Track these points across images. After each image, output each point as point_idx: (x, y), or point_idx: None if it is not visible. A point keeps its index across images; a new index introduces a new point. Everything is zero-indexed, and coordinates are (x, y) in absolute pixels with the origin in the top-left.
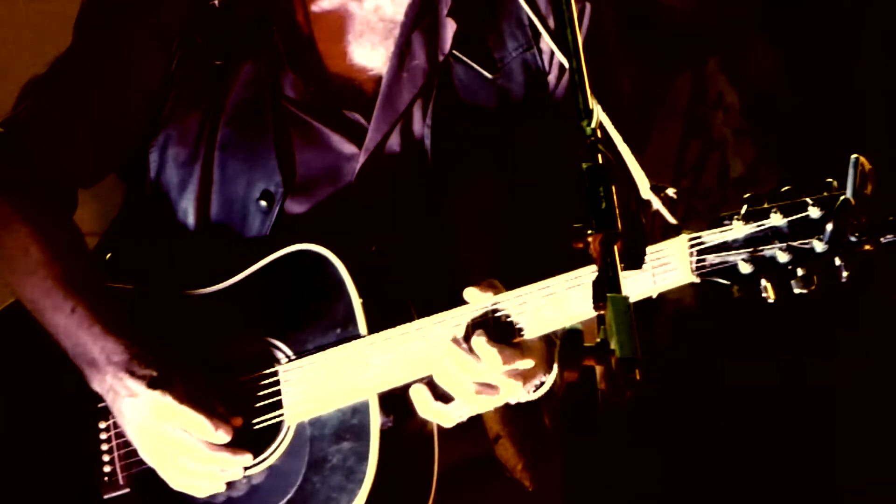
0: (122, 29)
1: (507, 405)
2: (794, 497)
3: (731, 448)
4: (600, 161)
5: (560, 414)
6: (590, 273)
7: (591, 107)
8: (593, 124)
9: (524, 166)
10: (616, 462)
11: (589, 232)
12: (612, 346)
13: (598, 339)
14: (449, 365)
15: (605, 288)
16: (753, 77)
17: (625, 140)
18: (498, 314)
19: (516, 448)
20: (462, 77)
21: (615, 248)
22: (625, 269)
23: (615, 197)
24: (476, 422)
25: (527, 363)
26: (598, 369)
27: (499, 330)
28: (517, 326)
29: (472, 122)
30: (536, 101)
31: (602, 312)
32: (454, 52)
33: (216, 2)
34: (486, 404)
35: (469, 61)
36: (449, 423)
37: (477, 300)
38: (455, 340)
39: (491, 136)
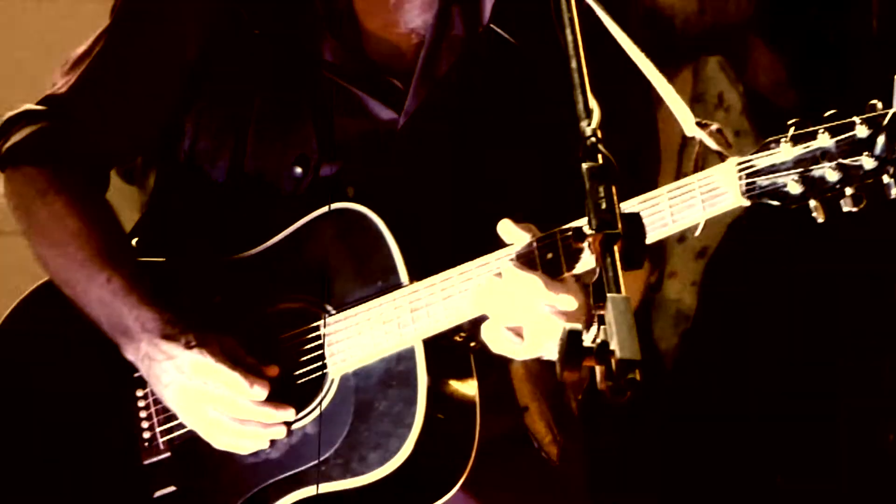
0: (164, 2)
1: (536, 381)
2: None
3: (733, 448)
4: (600, 161)
5: (585, 407)
6: (633, 205)
7: (590, 107)
8: (593, 124)
9: (555, 132)
10: (635, 456)
11: (589, 232)
12: (613, 346)
13: (599, 340)
14: (491, 298)
15: (606, 288)
16: (754, 77)
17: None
18: (541, 252)
19: (545, 422)
20: (498, 49)
21: (615, 248)
22: (625, 269)
23: (615, 197)
24: (508, 394)
25: (569, 300)
26: (599, 369)
27: (543, 266)
28: (572, 261)
29: (506, 93)
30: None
31: (602, 312)
32: (491, 25)
33: None
34: (536, 341)
35: (506, 35)
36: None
37: (514, 236)
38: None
39: (524, 105)
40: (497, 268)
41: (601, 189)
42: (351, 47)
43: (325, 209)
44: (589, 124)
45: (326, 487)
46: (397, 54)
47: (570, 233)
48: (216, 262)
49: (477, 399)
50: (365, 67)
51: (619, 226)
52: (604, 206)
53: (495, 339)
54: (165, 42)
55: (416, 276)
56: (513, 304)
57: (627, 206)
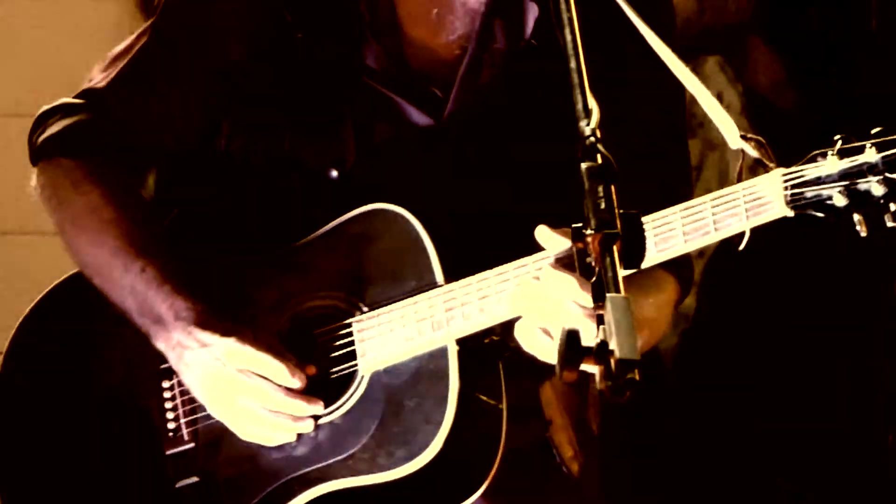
0: (210, 2)
1: (562, 396)
2: (793, 495)
3: (732, 448)
4: (600, 161)
5: (606, 422)
6: (675, 212)
7: (590, 107)
8: (593, 124)
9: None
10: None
11: (588, 232)
12: (612, 346)
13: (598, 340)
14: (528, 299)
15: (605, 288)
16: (753, 77)
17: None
18: (583, 254)
19: (567, 437)
20: (539, 63)
21: (615, 248)
22: (624, 269)
23: (614, 197)
24: (534, 408)
25: None
26: (598, 369)
27: (584, 271)
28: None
29: (545, 105)
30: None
31: (601, 313)
32: (532, 40)
33: None
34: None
35: (546, 48)
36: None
37: (550, 241)
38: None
39: (563, 118)
40: (535, 269)
41: (600, 189)
42: (392, 54)
43: (361, 209)
44: (588, 124)
45: (351, 482)
46: (438, 63)
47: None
48: (250, 258)
49: (504, 404)
50: (405, 74)
51: (618, 225)
52: (603, 205)
53: (528, 338)
54: (209, 42)
55: (451, 277)
56: (547, 304)
57: (669, 213)
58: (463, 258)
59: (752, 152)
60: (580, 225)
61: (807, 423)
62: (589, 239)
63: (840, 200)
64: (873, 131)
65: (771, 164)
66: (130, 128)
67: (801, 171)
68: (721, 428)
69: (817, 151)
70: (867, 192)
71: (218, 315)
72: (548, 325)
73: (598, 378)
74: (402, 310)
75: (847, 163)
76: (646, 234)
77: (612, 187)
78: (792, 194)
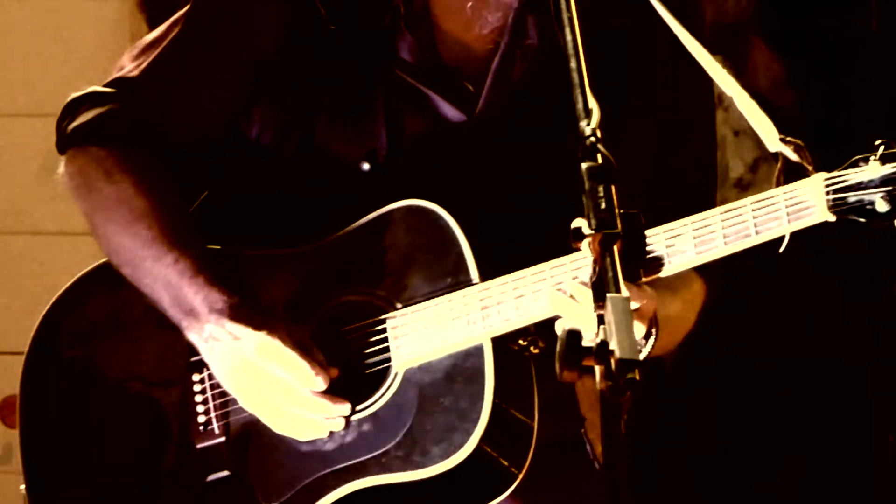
0: None
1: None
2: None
3: (732, 448)
4: (600, 161)
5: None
6: (715, 215)
7: (590, 107)
8: (593, 124)
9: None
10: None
11: (588, 232)
12: (612, 346)
13: (598, 340)
14: (572, 304)
15: (605, 288)
16: (753, 77)
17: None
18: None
19: (598, 433)
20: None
21: (615, 248)
22: (625, 270)
23: (614, 196)
24: (569, 402)
25: (643, 307)
26: (598, 369)
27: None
28: (656, 266)
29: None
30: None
31: (601, 312)
32: None
33: None
34: None
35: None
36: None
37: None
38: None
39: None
40: (571, 269)
41: (600, 189)
42: (426, 47)
43: (395, 205)
44: (588, 124)
45: (384, 479)
46: (471, 57)
47: (649, 241)
48: (282, 253)
49: (536, 402)
50: (437, 68)
51: (619, 225)
52: (603, 205)
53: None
54: (243, 34)
55: (485, 275)
56: (588, 310)
57: (709, 215)
58: (497, 256)
59: (792, 155)
60: (580, 225)
61: (807, 422)
62: (589, 239)
63: (882, 206)
64: None
65: (810, 168)
66: (163, 118)
67: (844, 175)
68: (721, 428)
69: (859, 156)
70: None
71: (251, 308)
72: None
73: (598, 378)
74: (436, 307)
75: (889, 168)
76: (685, 235)
77: (613, 187)
78: (834, 199)
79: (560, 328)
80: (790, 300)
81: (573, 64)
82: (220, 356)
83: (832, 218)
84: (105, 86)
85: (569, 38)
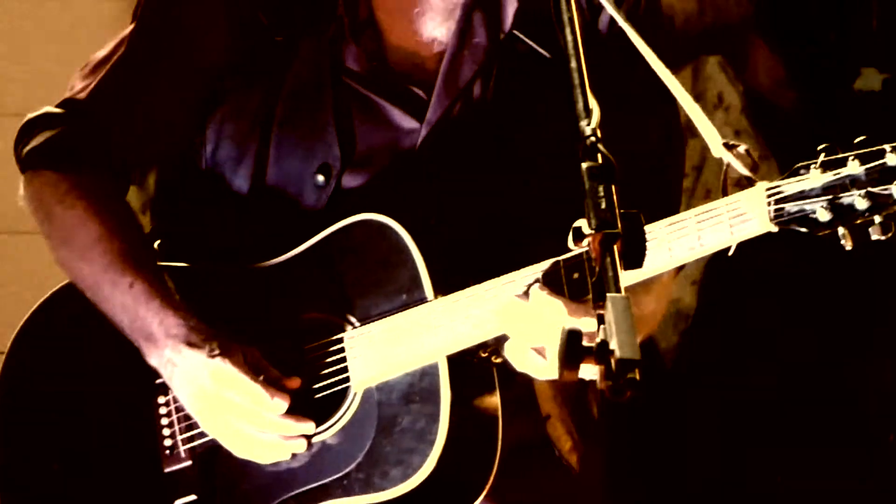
0: (184, 9)
1: (558, 387)
2: (793, 495)
3: (732, 447)
4: (600, 160)
5: (607, 405)
6: (660, 227)
7: (590, 106)
8: (593, 124)
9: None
10: (654, 458)
11: (588, 232)
12: (612, 345)
13: (598, 339)
14: (515, 319)
15: (605, 288)
16: (753, 76)
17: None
18: (567, 272)
19: (565, 429)
20: (521, 55)
21: (615, 247)
22: (625, 269)
23: (615, 196)
24: (531, 401)
25: (590, 321)
26: (599, 369)
27: (570, 287)
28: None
29: (531, 99)
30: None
31: (602, 312)
32: (514, 31)
33: None
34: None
35: (528, 41)
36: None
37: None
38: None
39: (549, 113)
40: (523, 286)
41: (601, 188)
42: (373, 56)
43: (350, 220)
44: (588, 124)
45: (348, 502)
46: (420, 63)
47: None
48: (239, 269)
49: (500, 413)
50: (387, 76)
51: (619, 225)
52: (603, 205)
53: (518, 358)
54: (187, 49)
55: (440, 290)
56: (536, 325)
57: (655, 227)
58: (453, 270)
59: (734, 162)
60: (580, 224)
61: (806, 422)
62: (589, 239)
63: (824, 215)
64: (856, 141)
65: (753, 177)
66: (112, 139)
67: (785, 185)
68: (720, 427)
69: (800, 164)
70: (851, 206)
71: (208, 331)
72: (538, 345)
73: (598, 378)
74: (392, 324)
75: (830, 176)
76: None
77: (613, 187)
78: (776, 210)
79: (510, 350)
80: (790, 300)
81: (573, 64)
82: (179, 381)
83: (774, 229)
84: (57, 106)
85: (569, 38)
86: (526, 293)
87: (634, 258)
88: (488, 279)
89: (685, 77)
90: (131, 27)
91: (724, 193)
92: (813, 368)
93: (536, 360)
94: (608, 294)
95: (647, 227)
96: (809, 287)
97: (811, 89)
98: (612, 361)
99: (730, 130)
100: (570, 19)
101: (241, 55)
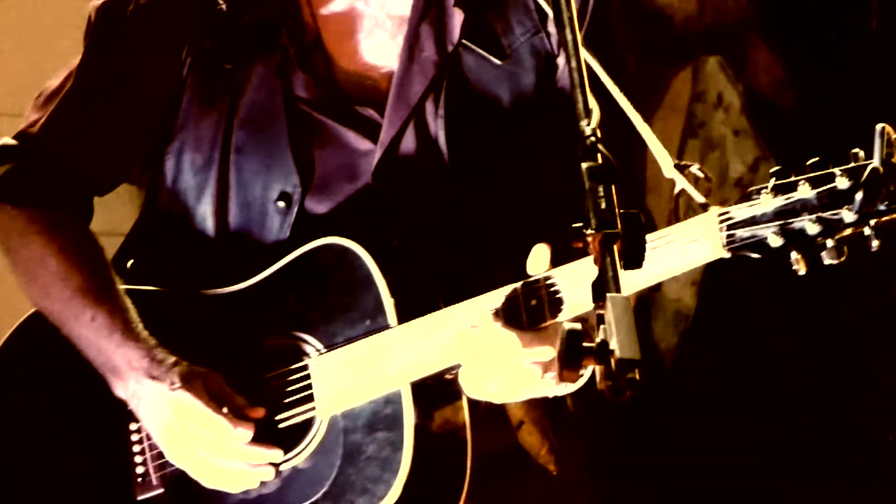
0: (131, 39)
1: None
2: (793, 495)
3: (732, 447)
4: (600, 161)
5: (582, 398)
6: None
7: (590, 106)
8: (593, 124)
9: (538, 151)
10: (638, 446)
11: (588, 232)
12: (612, 345)
13: (598, 339)
14: (469, 349)
15: (605, 288)
16: (753, 76)
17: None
18: (525, 298)
19: (540, 432)
20: (472, 66)
21: (615, 247)
22: (624, 268)
23: (615, 197)
24: (501, 411)
25: (546, 351)
26: (599, 369)
27: (529, 313)
28: (556, 308)
29: (484, 111)
30: (547, 85)
31: (602, 312)
32: (463, 41)
33: (223, 6)
34: (514, 391)
35: (478, 49)
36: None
37: (538, 262)
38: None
39: (504, 122)
40: (481, 313)
41: (600, 189)
42: (323, 80)
43: (313, 244)
44: (588, 124)
45: None
46: (371, 84)
47: (553, 281)
48: (206, 295)
49: (468, 432)
50: (339, 99)
51: (619, 225)
52: (603, 205)
53: (472, 386)
54: (134, 78)
55: (404, 315)
56: (490, 356)
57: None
58: (417, 293)
59: (687, 185)
60: (580, 224)
61: (806, 422)
62: (589, 239)
63: (775, 240)
64: (808, 163)
65: (699, 199)
66: (66, 172)
67: (736, 210)
68: (720, 427)
69: (752, 188)
70: (802, 231)
71: (170, 361)
72: (492, 375)
73: (598, 378)
74: (356, 351)
75: (781, 200)
76: (582, 273)
77: (613, 187)
78: (727, 235)
79: (464, 378)
80: (790, 300)
81: (573, 64)
82: (144, 414)
83: (726, 255)
84: (13, 138)
85: (569, 37)
86: (483, 322)
87: (634, 258)
88: (454, 298)
89: (685, 77)
90: (79, 58)
91: (675, 218)
92: (813, 368)
93: (491, 388)
94: (608, 294)
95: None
96: (809, 287)
97: (811, 89)
98: (612, 361)
99: (729, 130)
100: (570, 19)
101: (193, 83)
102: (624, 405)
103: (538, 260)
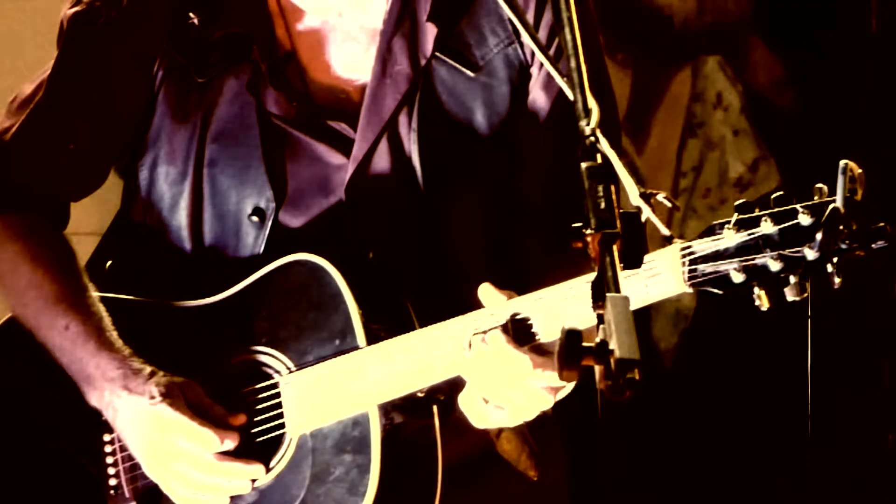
0: (102, 50)
1: None
2: (793, 495)
3: (732, 447)
4: (599, 160)
5: (564, 405)
6: (580, 282)
7: (590, 106)
8: (592, 124)
9: (513, 163)
10: (617, 451)
11: (588, 232)
12: (612, 345)
13: (598, 339)
14: (481, 373)
15: (605, 288)
16: (753, 76)
17: (611, 142)
18: (515, 318)
19: (519, 439)
20: (446, 78)
21: (614, 247)
22: (624, 268)
23: (614, 196)
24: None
25: (554, 376)
26: (598, 369)
27: (515, 335)
28: (532, 331)
29: (458, 124)
30: (521, 96)
31: (601, 312)
32: (436, 53)
33: (195, 20)
34: (525, 415)
35: (451, 62)
36: (492, 425)
37: (492, 299)
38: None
39: (479, 135)
40: (456, 332)
41: (600, 188)
42: (296, 93)
43: (284, 260)
44: (588, 124)
45: None
46: (343, 98)
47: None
48: (178, 306)
49: (439, 450)
50: (311, 113)
51: (619, 225)
52: (603, 205)
53: (476, 411)
54: (105, 87)
55: (373, 336)
56: (499, 379)
57: (576, 283)
58: (388, 313)
59: (651, 215)
60: (580, 224)
61: (806, 422)
62: (589, 239)
63: (737, 276)
64: (773, 196)
65: (664, 231)
66: (40, 179)
67: (698, 245)
68: (720, 427)
69: (716, 222)
70: (764, 267)
71: (146, 373)
72: (499, 398)
73: (598, 377)
74: (325, 372)
75: (744, 236)
76: (547, 306)
77: (612, 187)
78: (689, 270)
79: (465, 402)
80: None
81: (573, 63)
82: (121, 424)
83: (689, 290)
84: None
85: (568, 37)
86: (492, 343)
87: (634, 258)
88: (426, 318)
89: (684, 77)
90: (51, 64)
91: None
92: (812, 368)
93: (494, 414)
94: (608, 294)
95: (568, 284)
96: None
97: (811, 89)
98: (612, 361)
99: (729, 130)
100: (570, 19)
101: (162, 95)
102: (622, 405)
103: (489, 297)
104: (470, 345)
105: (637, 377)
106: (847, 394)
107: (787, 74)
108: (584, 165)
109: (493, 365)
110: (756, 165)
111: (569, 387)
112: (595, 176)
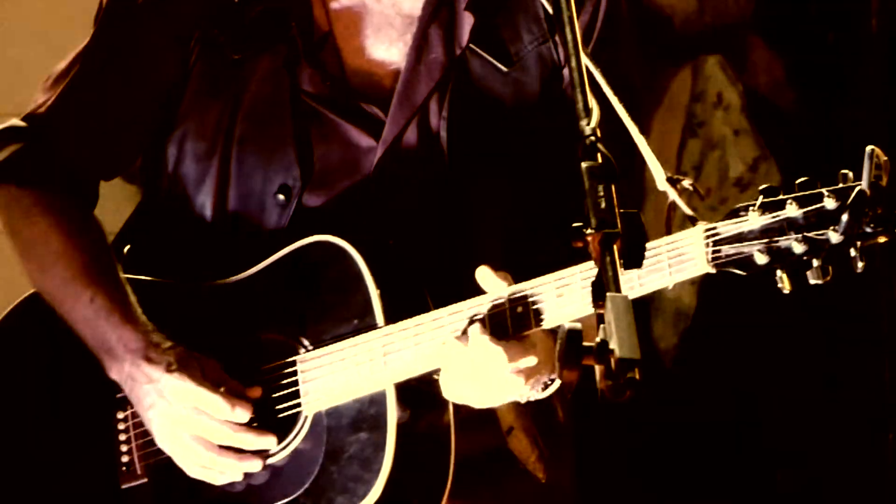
0: (140, 25)
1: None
2: (791, 492)
3: (732, 447)
4: (600, 160)
5: (572, 408)
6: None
7: (590, 106)
8: (593, 124)
9: (539, 159)
10: (627, 457)
11: (588, 231)
12: (612, 345)
13: (598, 339)
14: (455, 361)
15: (605, 287)
16: (753, 76)
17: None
18: (514, 304)
19: (529, 440)
20: (478, 71)
21: (615, 247)
22: (624, 268)
23: (614, 196)
24: (490, 414)
25: (529, 360)
26: (598, 369)
27: (514, 321)
28: (539, 316)
29: (488, 115)
30: (551, 94)
31: (602, 312)
32: (471, 45)
33: None
34: (494, 398)
35: (485, 55)
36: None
37: (490, 283)
38: (460, 337)
39: (507, 128)
40: (467, 318)
41: (600, 188)
42: (330, 74)
43: (306, 240)
44: (588, 123)
45: None
46: (377, 81)
47: (539, 290)
48: (201, 286)
49: (452, 434)
50: (344, 94)
51: (619, 225)
52: (603, 205)
53: (450, 391)
54: (142, 64)
55: (392, 316)
56: (476, 368)
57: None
58: (407, 294)
59: (677, 199)
60: (580, 224)
61: (806, 422)
62: (589, 238)
63: (761, 258)
64: (798, 181)
65: (688, 212)
66: (74, 153)
67: (723, 226)
68: (720, 427)
69: (740, 205)
70: (788, 250)
71: (167, 345)
72: (474, 384)
73: (598, 377)
74: (343, 351)
75: (768, 218)
76: (574, 285)
77: (613, 186)
78: (713, 251)
79: (443, 381)
80: (789, 300)
81: (573, 63)
82: (138, 396)
83: (712, 270)
84: (22, 119)
85: (569, 37)
86: (465, 332)
87: (634, 258)
88: (444, 300)
89: (685, 77)
90: (88, 40)
91: (668, 230)
92: (812, 368)
93: (468, 393)
94: (608, 293)
95: (587, 265)
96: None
97: (811, 89)
98: (612, 361)
99: (729, 130)
100: (570, 19)
101: (200, 72)
102: (622, 405)
103: (486, 281)
104: (464, 331)
105: (637, 377)
106: (847, 393)
107: (787, 74)
108: (584, 165)
109: (470, 354)
110: (756, 165)
111: (557, 381)
112: (595, 176)
